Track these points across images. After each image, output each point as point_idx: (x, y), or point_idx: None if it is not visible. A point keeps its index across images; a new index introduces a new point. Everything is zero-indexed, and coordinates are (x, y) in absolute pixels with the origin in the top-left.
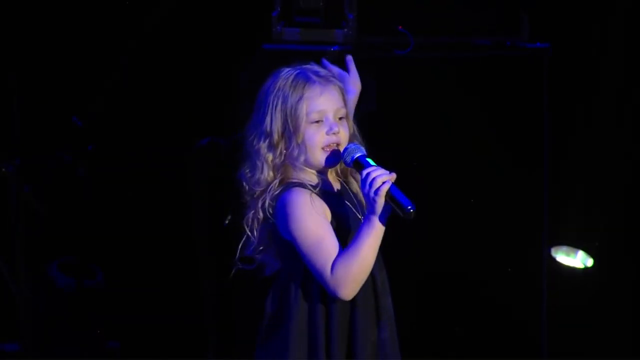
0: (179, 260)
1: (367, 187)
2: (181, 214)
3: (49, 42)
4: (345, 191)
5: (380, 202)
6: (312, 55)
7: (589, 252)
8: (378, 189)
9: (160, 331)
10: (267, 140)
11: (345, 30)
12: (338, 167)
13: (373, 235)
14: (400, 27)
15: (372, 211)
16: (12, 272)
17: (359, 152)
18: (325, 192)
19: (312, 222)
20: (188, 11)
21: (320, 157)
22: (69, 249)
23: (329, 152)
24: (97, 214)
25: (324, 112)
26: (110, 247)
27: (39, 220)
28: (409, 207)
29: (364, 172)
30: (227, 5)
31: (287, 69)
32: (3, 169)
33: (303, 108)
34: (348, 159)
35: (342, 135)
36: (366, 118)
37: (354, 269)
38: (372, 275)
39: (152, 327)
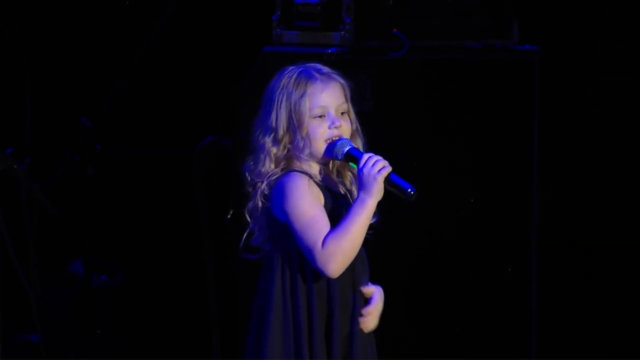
0: (184, 259)
1: (370, 167)
2: (185, 212)
3: (59, 46)
4: (341, 186)
5: (380, 182)
6: (311, 56)
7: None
8: (380, 169)
9: (165, 330)
10: (272, 135)
11: (343, 33)
12: (336, 163)
13: (364, 215)
14: (395, 30)
15: (366, 191)
16: (24, 268)
17: (349, 145)
18: (324, 183)
19: (308, 201)
20: (192, 15)
21: (322, 150)
22: (77, 246)
23: (330, 143)
24: (103, 213)
25: (326, 107)
26: (116, 246)
27: (49, 217)
28: (410, 190)
29: (366, 156)
30: (229, 9)
31: (291, 68)
32: (15, 166)
33: (306, 104)
34: (339, 153)
35: (344, 129)
36: (362, 118)
37: (344, 245)
38: (353, 267)
39: (157, 326)
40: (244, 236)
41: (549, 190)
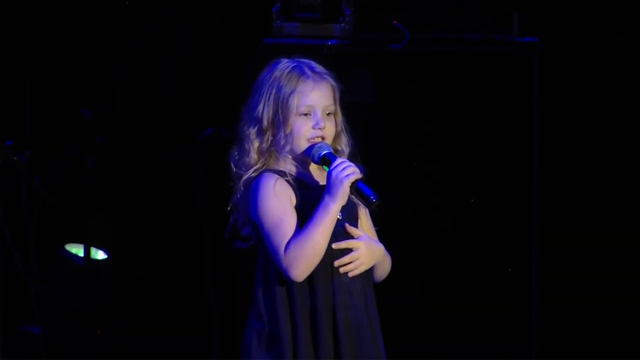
0: (184, 258)
1: (339, 171)
2: (185, 211)
3: (59, 38)
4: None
5: (345, 186)
6: (311, 48)
7: None
8: (348, 174)
9: (165, 330)
10: (257, 127)
11: (343, 25)
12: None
13: (326, 220)
14: (395, 22)
15: (331, 193)
16: (24, 260)
17: (326, 149)
18: (301, 182)
19: (273, 203)
20: (192, 7)
21: (303, 148)
22: (76, 238)
23: (310, 145)
24: (103, 205)
25: (312, 106)
26: (116, 245)
27: (48, 209)
28: (372, 198)
29: (339, 160)
30: (229, 1)
31: (285, 61)
32: (15, 159)
33: (294, 100)
34: (316, 156)
35: (328, 130)
36: (361, 110)
37: (305, 251)
38: (332, 251)
39: (157, 326)
40: (228, 227)
41: (549, 187)
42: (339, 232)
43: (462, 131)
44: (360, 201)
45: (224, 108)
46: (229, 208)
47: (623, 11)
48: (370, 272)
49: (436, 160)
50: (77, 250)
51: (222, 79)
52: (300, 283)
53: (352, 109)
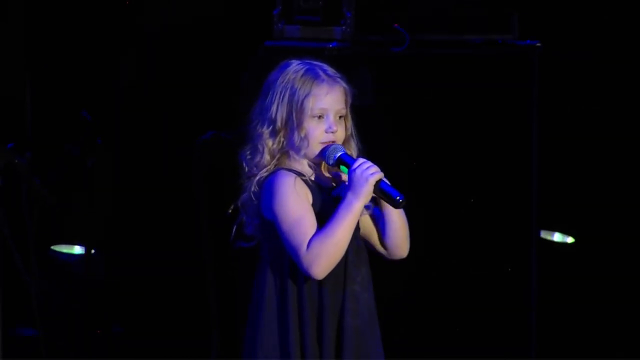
0: (184, 258)
1: (363, 169)
2: (186, 210)
3: (59, 39)
4: (335, 180)
5: (370, 184)
6: (312, 51)
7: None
8: (372, 173)
9: (165, 330)
10: (271, 127)
11: (344, 27)
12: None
13: (350, 217)
14: (396, 25)
15: (354, 191)
16: (23, 261)
17: (340, 151)
18: (314, 182)
19: (293, 201)
20: (192, 9)
21: (316, 150)
22: (76, 238)
23: (324, 147)
24: (102, 205)
25: (326, 110)
26: (116, 244)
27: (48, 211)
28: (399, 197)
29: (360, 160)
30: (230, 4)
31: (297, 62)
32: (15, 161)
33: (309, 103)
34: (331, 158)
35: (339, 134)
36: (363, 112)
37: (328, 248)
38: (346, 257)
39: (157, 325)
40: (234, 227)
41: (549, 187)
42: (356, 231)
43: (463, 133)
44: (386, 201)
45: (224, 110)
46: (230, 210)
47: (623, 11)
48: (370, 277)
49: (436, 160)
50: (68, 249)
51: (222, 81)
52: (311, 284)
53: (352, 110)
